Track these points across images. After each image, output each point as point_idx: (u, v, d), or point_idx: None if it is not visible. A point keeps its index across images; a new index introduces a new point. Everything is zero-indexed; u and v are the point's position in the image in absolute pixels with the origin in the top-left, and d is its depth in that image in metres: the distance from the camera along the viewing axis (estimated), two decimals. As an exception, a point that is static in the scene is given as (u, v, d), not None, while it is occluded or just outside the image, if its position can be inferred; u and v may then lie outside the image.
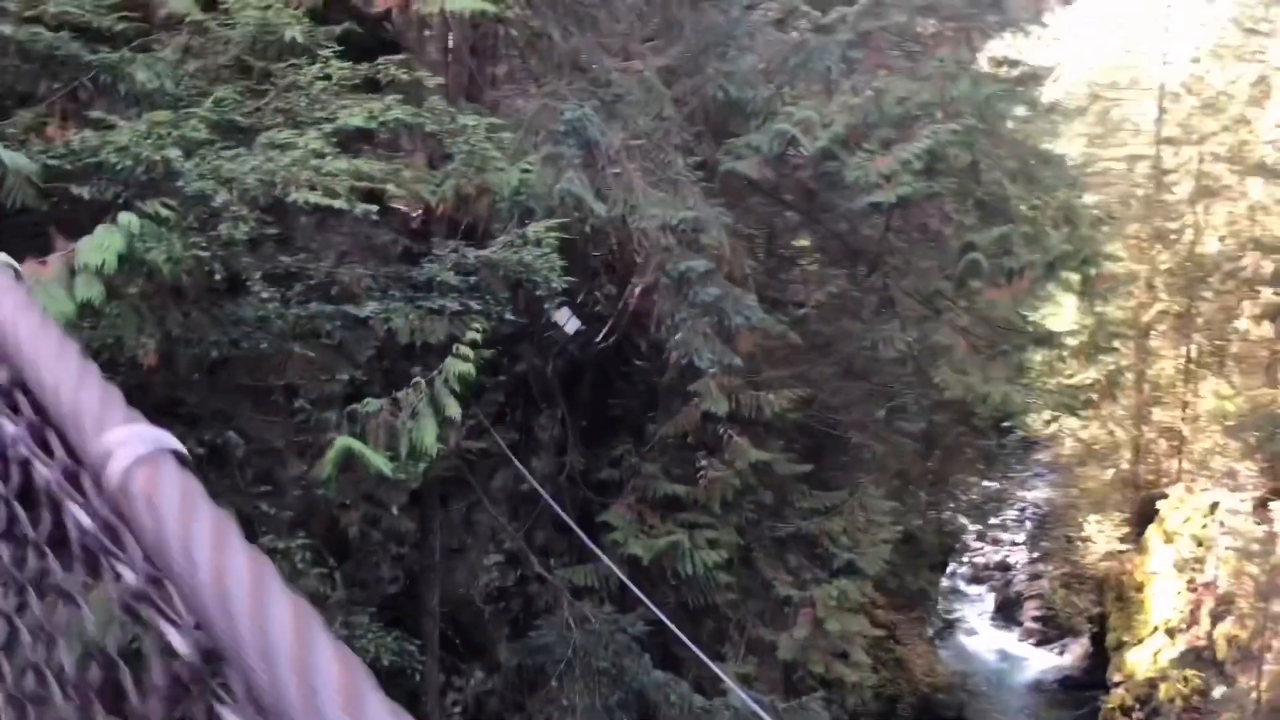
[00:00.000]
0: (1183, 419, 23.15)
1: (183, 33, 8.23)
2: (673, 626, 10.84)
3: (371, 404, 7.94)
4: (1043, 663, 24.46)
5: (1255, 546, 20.29)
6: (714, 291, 10.46)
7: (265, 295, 7.36)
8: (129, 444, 0.85)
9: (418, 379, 8.08)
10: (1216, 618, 20.73)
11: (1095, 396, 20.07)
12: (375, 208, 7.45)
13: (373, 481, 8.66)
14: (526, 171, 9.25)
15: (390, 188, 8.03)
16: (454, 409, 7.90)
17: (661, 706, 11.22)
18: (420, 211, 9.35)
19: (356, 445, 7.34)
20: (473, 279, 8.85)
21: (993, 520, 24.83)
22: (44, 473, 1.04)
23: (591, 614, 11.57)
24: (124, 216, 5.94)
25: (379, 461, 7.57)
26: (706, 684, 12.13)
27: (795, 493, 13.63)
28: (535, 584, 12.41)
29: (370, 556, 11.37)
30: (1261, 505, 20.97)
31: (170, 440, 0.87)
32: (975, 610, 25.64)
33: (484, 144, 8.81)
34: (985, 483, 23.22)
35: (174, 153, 6.60)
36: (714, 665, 11.22)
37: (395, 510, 9.84)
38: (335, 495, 8.49)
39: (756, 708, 11.10)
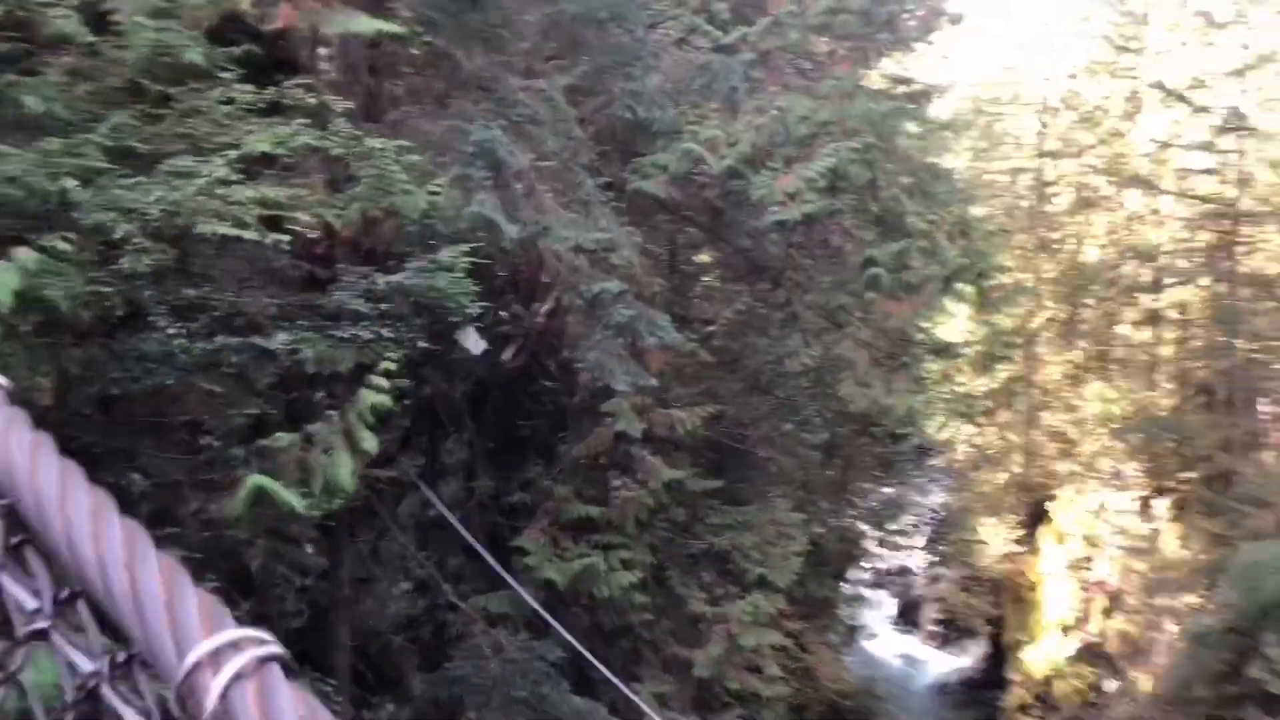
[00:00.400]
0: (1070, 423, 23.96)
1: (70, 54, 7.83)
2: (589, 654, 10.75)
3: (282, 439, 7.66)
4: (944, 664, 25.06)
5: (1142, 544, 21.11)
6: (627, 312, 10.40)
7: (171, 330, 7.02)
8: (227, 653, 0.72)
9: (330, 412, 7.83)
10: (1108, 614, 21.49)
11: (990, 404, 20.62)
12: (287, 237, 7.19)
13: (282, 517, 8.38)
14: (435, 194, 9.06)
15: (298, 214, 7.77)
16: (370, 442, 7.68)
17: (583, 734, 11.10)
18: (322, 236, 9.09)
19: (269, 483, 7.06)
20: (384, 306, 8.63)
21: (892, 526, 25.30)
22: (80, 664, 0.89)
23: (507, 642, 11.38)
24: (20, 252, 5.60)
25: (292, 499, 7.30)
26: (624, 707, 12.05)
27: (707, 509, 13.67)
28: (448, 613, 12.16)
29: (275, 590, 10.98)
30: (1146, 504, 21.83)
31: (272, 644, 0.74)
32: (877, 615, 26.12)
33: (391, 166, 8.60)
34: (884, 489, 23.65)
35: (70, 183, 6.25)
36: (629, 691, 11.16)
37: (309, 548, 9.52)
38: (245, 534, 8.17)
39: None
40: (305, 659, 10.73)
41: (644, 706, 10.12)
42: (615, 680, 10.12)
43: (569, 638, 10.28)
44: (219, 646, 0.72)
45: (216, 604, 0.78)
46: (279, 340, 7.95)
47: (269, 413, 8.60)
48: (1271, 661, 17.26)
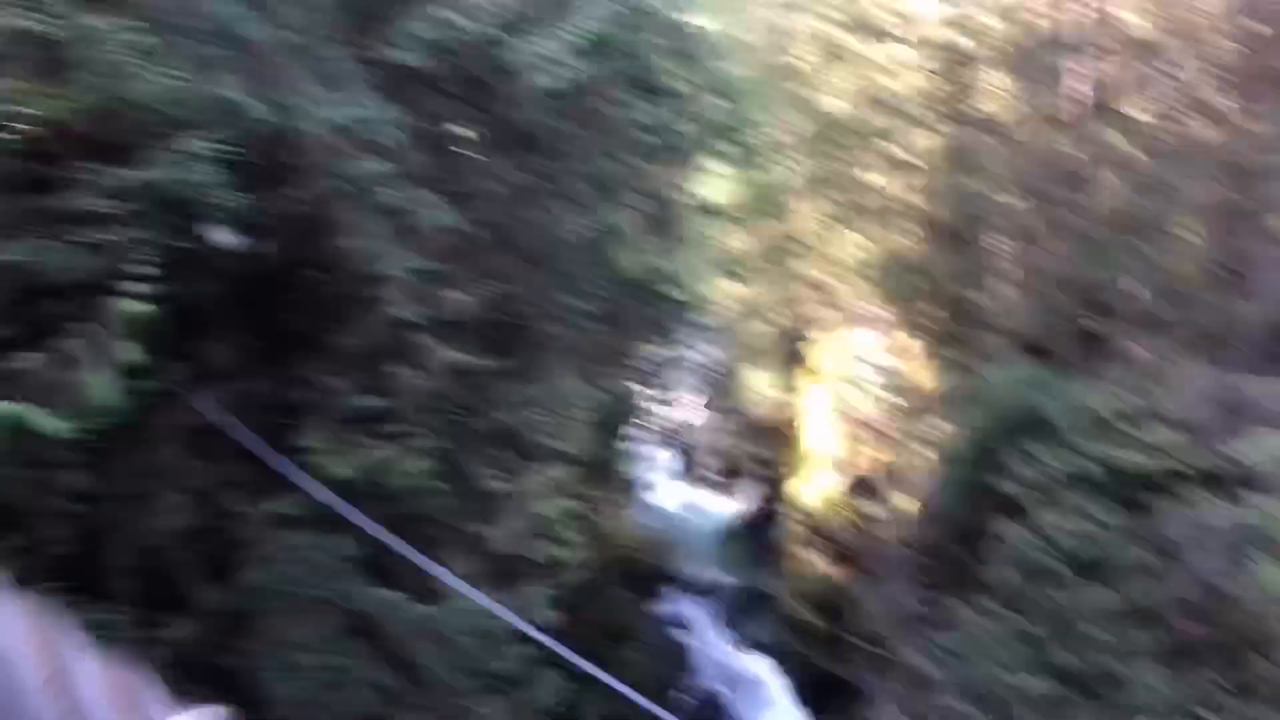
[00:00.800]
0: (827, 271, 25.08)
1: None
2: (390, 539, 10.59)
3: (30, 358, 6.98)
4: (725, 509, 26.40)
5: (896, 379, 22.64)
6: (395, 194, 9.97)
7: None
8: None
9: (83, 325, 7.18)
10: (870, 447, 23.08)
11: (755, 259, 21.31)
12: (8, 136, 6.39)
13: (40, 442, 7.70)
14: (173, 79, 8.29)
15: (16, 109, 6.92)
16: (131, 354, 7.11)
17: (389, 624, 11.03)
18: (50, 133, 8.16)
19: (21, 411, 6.44)
20: (130, 205, 7.90)
21: (668, 384, 26.04)
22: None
23: (301, 543, 11.06)
24: None
25: (49, 424, 6.71)
26: (427, 592, 12.05)
27: (494, 388, 13.57)
28: (232, 521, 11.65)
29: (39, 520, 10.18)
30: (898, 341, 23.34)
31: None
32: (660, 469, 27.09)
33: (121, 50, 7.77)
34: (659, 350, 24.15)
35: None
36: (437, 570, 11.12)
37: (74, 470, 8.83)
38: (20, 473, 7.48)
39: (489, 603, 11.20)
40: (83, 588, 10.11)
41: (457, 582, 10.13)
42: (426, 560, 10.04)
43: (374, 528, 10.07)
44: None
45: (134, 678, 0.56)
46: (15, 251, 7.17)
47: (8, 333, 7.79)
48: (1013, 473, 19.06)
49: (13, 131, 7.05)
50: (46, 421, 6.57)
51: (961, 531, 20.17)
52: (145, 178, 7.86)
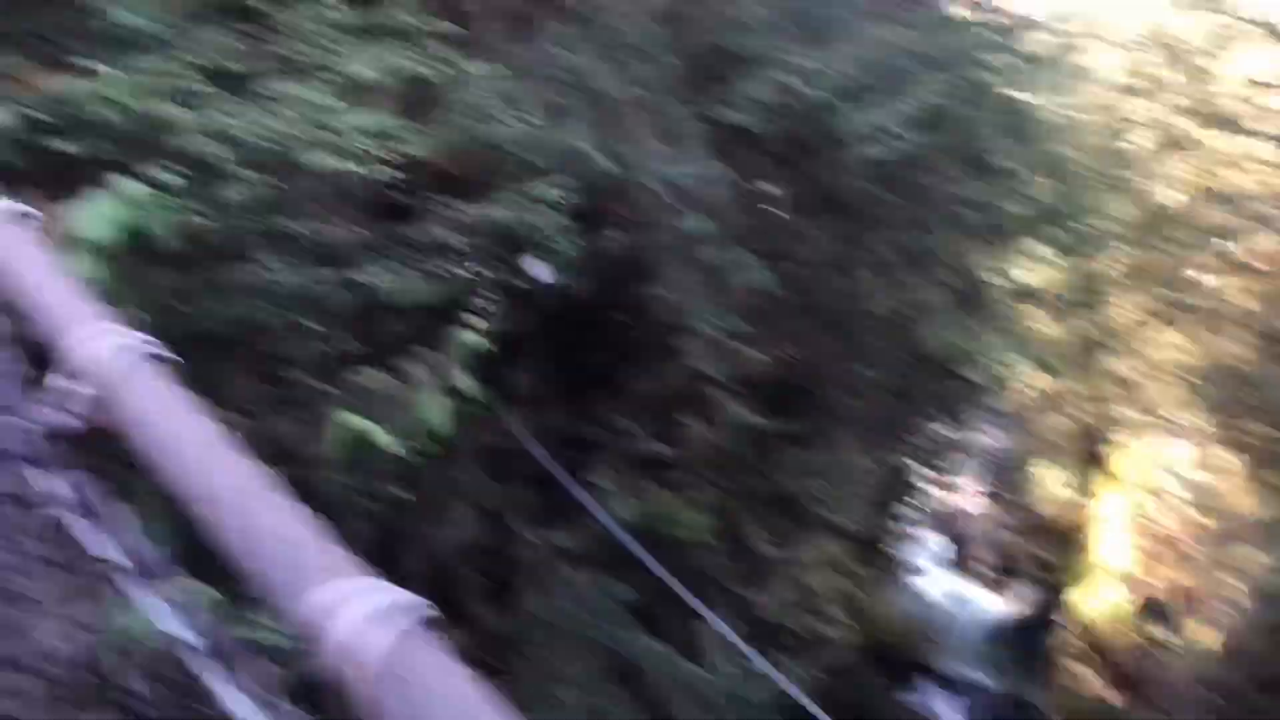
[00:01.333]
0: (1138, 369, 23.39)
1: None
2: (678, 589, 10.60)
3: (376, 376, 7.47)
4: (995, 606, 24.95)
5: (1206, 496, 20.73)
6: (716, 252, 10.06)
7: (272, 263, 6.78)
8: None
9: (421, 349, 7.62)
10: (1168, 565, 21.21)
11: (1064, 349, 20.17)
12: (389, 169, 6.89)
13: (367, 449, 8.21)
14: (527, 124, 8.73)
15: (392, 143, 7.46)
16: (467, 384, 7.48)
17: (652, 674, 11.04)
18: (413, 165, 8.77)
19: (368, 426, 6.88)
20: (475, 240, 8.35)
21: (948, 465, 25.02)
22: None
23: (580, 579, 11.28)
24: (125, 182, 5.34)
25: (386, 439, 7.13)
26: (691, 648, 11.99)
27: (778, 451, 13.43)
28: (518, 545, 12.05)
29: (349, 520, 10.91)
30: (1213, 455, 21.37)
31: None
32: (930, 554, 26.01)
33: (486, 94, 8.25)
34: (944, 430, 23.25)
35: (171, 107, 5.96)
36: (724, 626, 11.06)
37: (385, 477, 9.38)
38: (329, 469, 8.02)
39: (762, 670, 11.01)
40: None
41: (736, 646, 10.01)
42: (712, 618, 10.00)
43: (662, 574, 10.11)
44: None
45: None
46: (372, 274, 7.72)
47: (356, 349, 8.39)
48: (1338, 622, 16.96)
49: (381, 162, 7.57)
50: (384, 437, 7.00)
51: (1269, 679, 18.10)
52: (493, 215, 8.28)
